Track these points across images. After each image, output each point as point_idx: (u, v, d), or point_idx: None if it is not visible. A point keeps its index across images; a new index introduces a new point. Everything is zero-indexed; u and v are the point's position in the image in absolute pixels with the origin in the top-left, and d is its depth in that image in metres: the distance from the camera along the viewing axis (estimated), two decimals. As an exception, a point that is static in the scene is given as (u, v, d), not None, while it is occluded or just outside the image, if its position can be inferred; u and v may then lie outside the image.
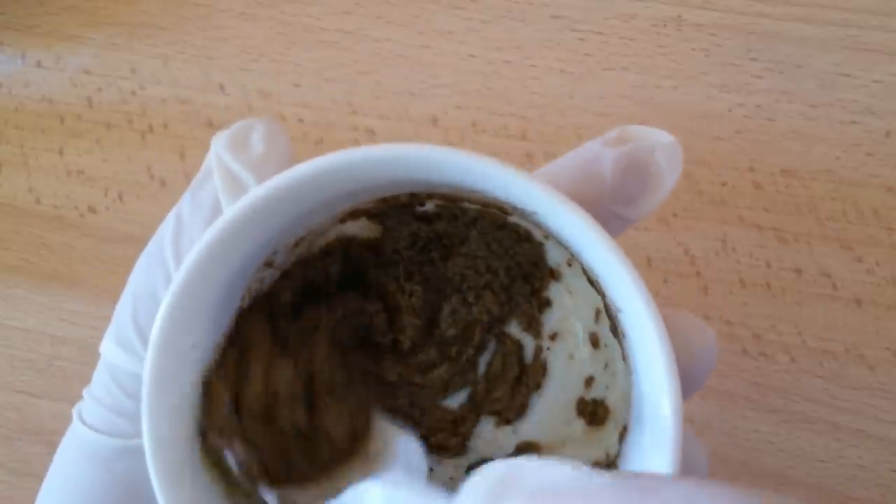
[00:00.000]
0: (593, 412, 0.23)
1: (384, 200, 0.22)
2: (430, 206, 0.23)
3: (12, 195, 0.38)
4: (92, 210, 0.37)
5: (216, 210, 0.21)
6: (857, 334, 0.32)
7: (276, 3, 0.36)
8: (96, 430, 0.22)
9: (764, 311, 0.32)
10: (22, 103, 0.38)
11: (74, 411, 0.23)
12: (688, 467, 0.18)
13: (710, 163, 0.33)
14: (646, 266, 0.33)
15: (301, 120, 0.36)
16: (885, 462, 0.31)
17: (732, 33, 0.33)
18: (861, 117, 0.32)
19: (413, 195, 0.21)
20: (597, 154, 0.19)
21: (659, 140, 0.19)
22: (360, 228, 0.23)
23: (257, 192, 0.17)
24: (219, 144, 0.20)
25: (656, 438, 0.17)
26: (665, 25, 0.34)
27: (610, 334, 0.22)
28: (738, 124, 0.33)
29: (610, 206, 0.19)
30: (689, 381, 0.18)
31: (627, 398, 0.21)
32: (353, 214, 0.22)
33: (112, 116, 0.37)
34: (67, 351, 0.37)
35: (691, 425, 0.19)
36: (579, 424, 0.23)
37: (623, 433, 0.21)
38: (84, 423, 0.23)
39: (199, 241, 0.18)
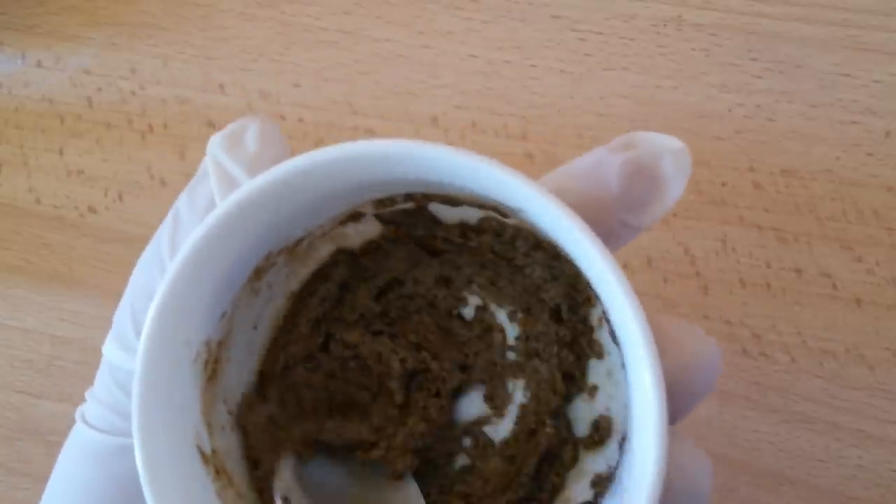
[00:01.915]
0: (597, 427, 0.23)
1: (381, 202, 0.21)
2: (471, 215, 0.22)
3: (12, 195, 0.38)
4: (92, 210, 0.37)
5: (212, 208, 0.21)
6: (857, 334, 0.32)
7: (276, 3, 0.36)
8: (98, 430, 0.23)
9: (764, 311, 0.32)
10: (22, 103, 0.38)
11: (77, 413, 0.23)
12: (684, 480, 0.18)
13: (710, 163, 0.33)
14: (646, 266, 0.33)
15: (301, 120, 0.36)
16: (885, 462, 0.31)
17: (732, 33, 0.33)
18: (861, 117, 0.32)
19: (409, 196, 0.21)
20: (604, 160, 0.19)
21: (667, 146, 0.19)
22: (361, 232, 0.23)
23: (246, 186, 0.17)
24: (214, 144, 0.21)
25: (641, 463, 0.17)
26: (665, 25, 0.34)
27: (611, 340, 0.22)
28: (738, 124, 0.33)
29: (617, 214, 0.19)
30: (686, 393, 0.18)
31: (627, 407, 0.20)
32: (353, 217, 0.22)
33: (112, 116, 0.37)
34: (67, 351, 0.37)
35: (690, 437, 0.19)
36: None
37: (622, 443, 0.21)
38: (86, 423, 0.23)
39: (190, 238, 0.18)
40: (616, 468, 0.21)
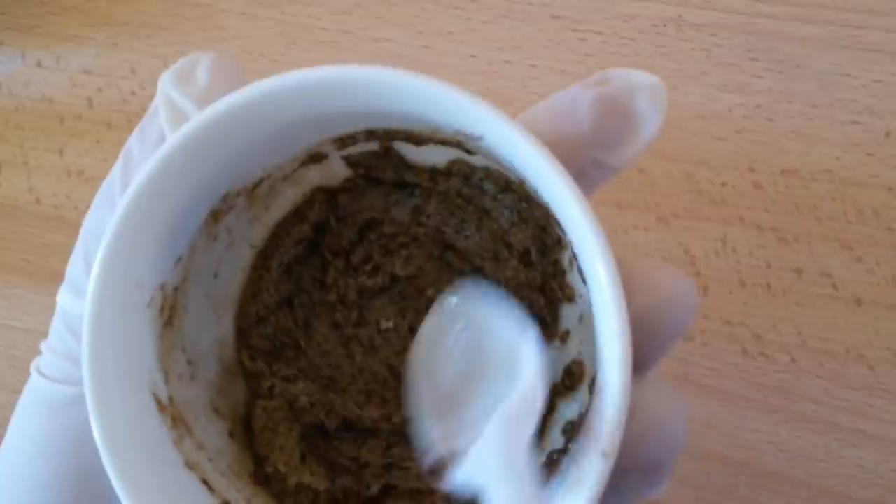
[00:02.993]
0: (569, 373, 0.22)
1: (342, 140, 0.20)
2: (438, 157, 0.21)
3: (12, 195, 0.38)
4: (92, 210, 0.37)
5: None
6: (857, 334, 0.32)
7: (276, 3, 0.36)
8: (52, 380, 0.22)
9: (764, 311, 0.32)
10: (22, 103, 0.38)
11: (32, 366, 0.23)
12: (658, 423, 0.17)
13: (710, 163, 0.33)
14: (646, 266, 0.33)
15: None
16: (885, 462, 0.31)
17: (732, 33, 0.33)
18: (861, 117, 0.32)
19: (370, 132, 0.20)
20: (574, 98, 0.18)
21: (640, 81, 0.18)
22: (326, 176, 0.23)
23: (195, 119, 0.17)
24: (165, 80, 0.20)
25: (604, 401, 0.16)
26: (665, 25, 0.34)
27: (581, 282, 0.21)
28: (738, 124, 0.33)
29: (590, 151, 0.18)
30: (660, 335, 0.17)
31: (596, 349, 0.20)
32: (315, 157, 0.21)
33: (112, 116, 0.37)
34: (67, 351, 0.37)
35: (669, 386, 0.18)
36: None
37: (592, 384, 0.20)
38: (40, 374, 0.22)
39: (139, 173, 0.17)
40: (586, 413, 0.20)
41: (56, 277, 0.37)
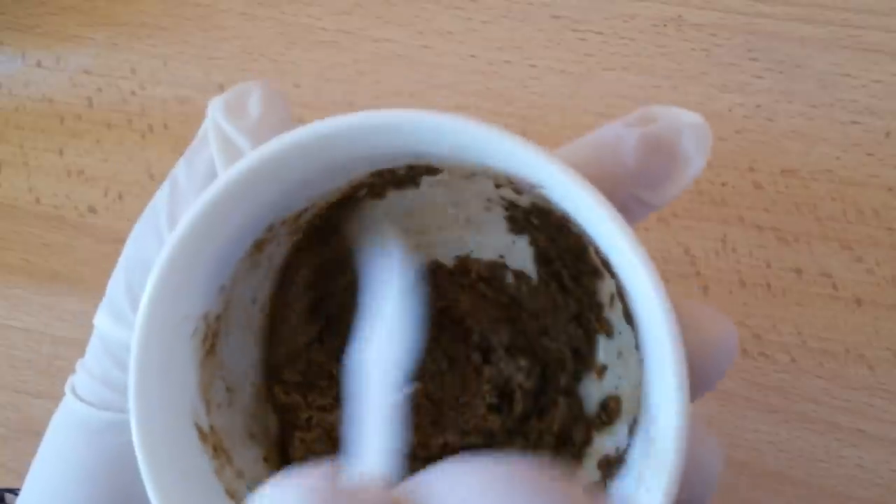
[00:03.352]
0: (605, 407, 0.22)
1: (380, 174, 0.21)
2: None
3: (12, 195, 0.38)
4: (92, 210, 0.37)
5: (212, 176, 0.20)
6: (857, 334, 0.32)
7: (276, 3, 0.36)
8: (88, 403, 0.22)
9: (764, 311, 0.32)
10: (22, 103, 0.38)
11: (67, 385, 0.23)
12: (696, 467, 0.17)
13: (710, 163, 0.33)
14: (646, 266, 0.33)
15: (301, 120, 0.35)
16: (885, 462, 0.31)
17: (732, 33, 0.33)
18: (861, 117, 0.32)
19: (411, 167, 0.20)
20: (619, 135, 0.18)
21: (687, 121, 0.18)
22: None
23: (251, 156, 0.17)
24: (215, 109, 0.20)
25: (658, 446, 0.16)
26: (665, 25, 0.34)
27: (623, 320, 0.21)
28: (738, 124, 0.33)
29: (633, 191, 0.18)
30: (702, 377, 0.17)
31: (638, 388, 0.20)
32: (358, 187, 0.21)
33: (112, 116, 0.37)
34: (67, 351, 0.37)
35: (700, 422, 0.19)
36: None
37: (633, 425, 0.20)
38: (76, 395, 0.22)
39: (191, 208, 0.17)
40: (626, 452, 0.20)
41: (56, 277, 0.37)
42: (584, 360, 0.23)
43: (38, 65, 0.38)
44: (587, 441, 0.22)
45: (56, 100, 0.38)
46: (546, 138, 0.34)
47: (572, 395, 0.23)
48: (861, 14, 0.32)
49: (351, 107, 0.35)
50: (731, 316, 0.32)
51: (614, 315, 0.22)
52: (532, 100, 0.34)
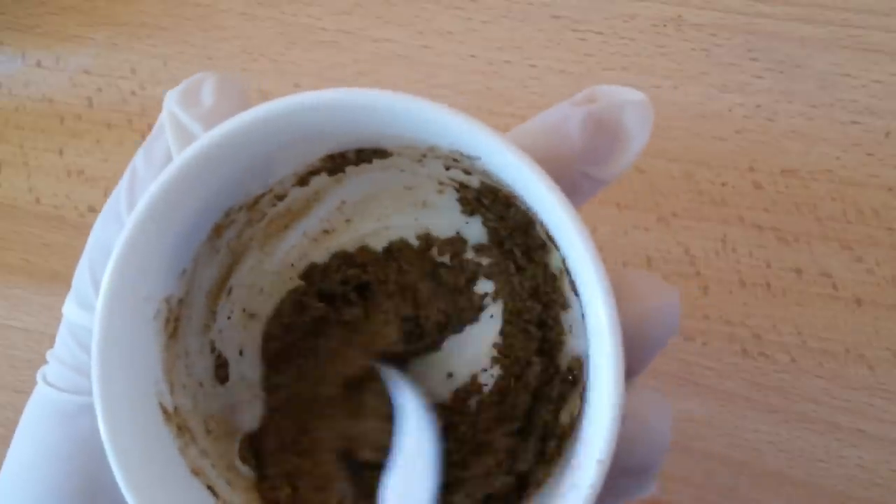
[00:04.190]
0: (570, 369, 0.23)
1: (331, 158, 0.21)
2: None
3: (12, 195, 0.38)
4: (92, 210, 0.37)
5: (169, 163, 0.21)
6: (857, 334, 0.32)
7: (276, 3, 0.36)
8: (59, 389, 0.22)
9: (764, 311, 0.32)
10: (22, 103, 0.38)
11: (39, 374, 0.23)
12: (644, 428, 0.18)
13: (710, 163, 0.33)
14: (645, 266, 0.33)
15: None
16: (885, 462, 0.31)
17: (732, 33, 0.33)
18: (861, 117, 0.32)
19: (360, 151, 0.21)
20: (565, 114, 0.18)
21: (628, 98, 0.19)
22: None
23: (201, 140, 0.17)
24: (170, 99, 0.20)
25: (597, 409, 0.17)
26: (665, 25, 0.34)
27: (572, 293, 0.22)
28: (738, 124, 0.33)
29: (580, 166, 0.19)
30: (645, 344, 0.18)
31: (587, 358, 0.20)
32: (313, 173, 0.22)
33: (112, 116, 0.37)
34: (67, 351, 0.37)
35: (653, 391, 0.19)
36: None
37: (582, 392, 0.21)
38: (47, 383, 0.23)
39: (147, 192, 0.18)
40: (577, 417, 0.21)
41: (56, 277, 0.37)
42: (551, 329, 0.23)
43: (38, 65, 0.38)
44: (562, 397, 0.23)
45: (56, 100, 0.38)
46: (546, 138, 0.34)
47: (545, 356, 0.24)
48: (861, 14, 0.32)
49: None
50: (732, 316, 0.32)
51: (565, 287, 0.22)
52: (532, 100, 0.34)
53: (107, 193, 0.37)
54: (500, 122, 0.34)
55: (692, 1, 0.33)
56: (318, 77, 0.35)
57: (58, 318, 0.38)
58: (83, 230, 0.37)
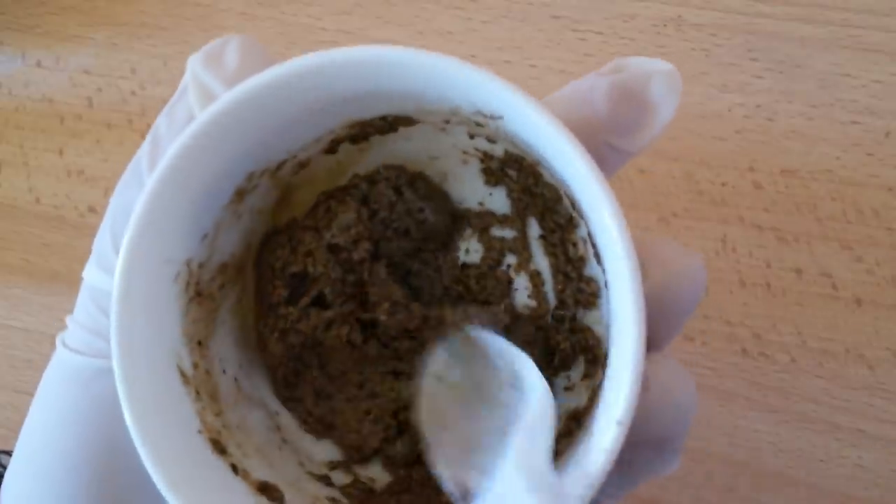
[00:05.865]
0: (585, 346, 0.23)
1: (355, 125, 0.21)
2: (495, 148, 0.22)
3: (12, 195, 0.38)
4: (92, 210, 0.37)
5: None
6: (857, 334, 0.32)
7: (276, 3, 0.36)
8: (78, 353, 0.22)
9: (764, 311, 0.32)
10: (22, 103, 0.38)
11: (58, 339, 0.23)
12: (667, 399, 0.18)
13: (710, 163, 0.33)
14: (646, 266, 0.33)
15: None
16: (885, 462, 0.31)
17: (732, 33, 0.33)
18: (861, 117, 0.32)
19: (384, 118, 0.21)
20: (592, 85, 0.18)
21: (655, 68, 0.18)
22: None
23: (223, 98, 0.17)
24: (194, 61, 0.20)
25: (618, 372, 0.17)
26: (665, 25, 0.34)
27: (596, 264, 0.22)
28: (738, 124, 0.33)
29: (605, 137, 0.18)
30: (671, 313, 0.18)
31: (609, 327, 0.20)
32: (337, 141, 0.22)
33: (112, 116, 0.37)
34: (67, 351, 0.37)
35: (676, 362, 0.19)
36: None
37: (604, 363, 0.21)
38: (66, 346, 0.22)
39: (168, 152, 0.17)
40: (600, 384, 0.21)
41: (56, 277, 0.37)
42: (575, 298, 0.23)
43: (38, 65, 0.38)
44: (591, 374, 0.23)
45: (56, 100, 0.38)
46: (546, 138, 0.34)
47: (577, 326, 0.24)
48: (861, 14, 0.32)
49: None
50: (732, 316, 0.32)
51: (590, 258, 0.22)
52: (532, 100, 0.34)
53: (107, 193, 0.37)
54: (500, 122, 0.34)
55: (692, 1, 0.33)
56: (318, 77, 0.35)
57: (58, 318, 0.38)
58: (83, 230, 0.37)
